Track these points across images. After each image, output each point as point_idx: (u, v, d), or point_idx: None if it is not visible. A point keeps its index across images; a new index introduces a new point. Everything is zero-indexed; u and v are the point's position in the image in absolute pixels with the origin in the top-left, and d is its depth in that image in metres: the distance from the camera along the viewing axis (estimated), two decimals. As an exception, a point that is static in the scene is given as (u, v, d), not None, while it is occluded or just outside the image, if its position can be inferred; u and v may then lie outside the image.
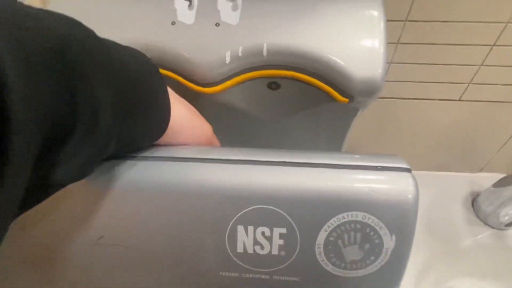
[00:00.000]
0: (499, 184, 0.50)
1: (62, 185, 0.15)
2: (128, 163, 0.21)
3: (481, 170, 0.57)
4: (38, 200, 0.14)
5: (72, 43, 0.12)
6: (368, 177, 0.20)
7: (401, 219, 0.20)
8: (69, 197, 0.22)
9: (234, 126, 0.36)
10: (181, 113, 0.22)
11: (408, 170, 0.21)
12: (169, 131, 0.22)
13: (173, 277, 0.23)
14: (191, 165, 0.21)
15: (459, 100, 0.45)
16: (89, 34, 0.14)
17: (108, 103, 0.14)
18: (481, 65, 0.40)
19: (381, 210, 0.20)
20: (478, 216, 0.55)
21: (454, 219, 0.54)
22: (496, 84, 0.42)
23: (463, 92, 0.44)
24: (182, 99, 0.23)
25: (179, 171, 0.21)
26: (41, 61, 0.11)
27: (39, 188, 0.13)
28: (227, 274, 0.22)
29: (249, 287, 0.22)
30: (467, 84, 0.43)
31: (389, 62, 0.41)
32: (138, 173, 0.21)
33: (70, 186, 0.21)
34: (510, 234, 0.53)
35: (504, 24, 0.36)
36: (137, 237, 0.22)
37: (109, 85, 0.14)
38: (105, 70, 0.14)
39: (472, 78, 0.42)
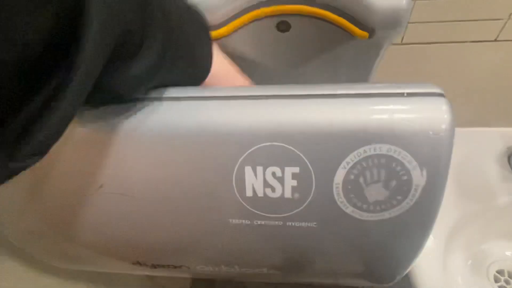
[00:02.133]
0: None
1: (111, 93, 0.17)
2: (124, 106, 0.20)
3: (518, 124, 0.52)
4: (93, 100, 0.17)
5: None
6: (393, 105, 0.18)
7: (433, 151, 0.17)
8: (67, 147, 0.20)
9: (243, 78, 0.33)
10: (222, 65, 0.23)
11: (441, 95, 0.18)
12: (210, 79, 0.22)
13: (181, 226, 0.21)
14: (192, 103, 0.19)
15: (495, 40, 0.40)
16: None
17: (160, 38, 0.16)
18: (523, -6, 0.35)
19: (409, 141, 0.17)
20: (515, 173, 0.50)
21: (489, 177, 0.50)
22: (540, 19, 0.37)
23: (500, 31, 0.39)
24: (224, 54, 0.24)
25: (179, 111, 0.19)
26: None
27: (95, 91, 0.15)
28: (237, 221, 0.20)
29: (261, 235, 0.21)
30: (505, 21, 0.38)
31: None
32: (135, 116, 0.19)
33: (67, 134, 0.20)
34: (551, 190, 0.49)
35: None
36: (140, 184, 0.20)
37: (164, 21, 0.16)
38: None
39: (512, 13, 0.37)
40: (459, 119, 0.50)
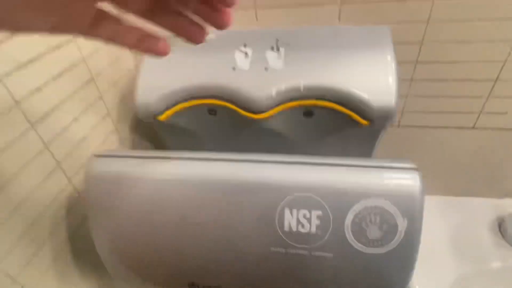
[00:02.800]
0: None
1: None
2: (191, 163, 0.30)
3: (506, 196, 0.60)
4: None
5: None
6: (384, 174, 0.27)
7: (410, 207, 0.27)
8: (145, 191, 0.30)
9: (275, 147, 0.44)
10: None
11: (415, 169, 0.28)
12: None
13: (235, 251, 0.30)
14: (253, 165, 0.29)
15: (473, 128, 0.50)
16: None
17: None
18: (488, 96, 0.46)
19: (394, 199, 0.27)
20: (506, 240, 0.56)
21: (482, 242, 0.56)
22: (507, 113, 0.48)
23: (476, 121, 0.49)
24: None
25: (244, 170, 0.29)
26: None
27: None
28: (275, 249, 0.29)
29: (291, 261, 0.29)
30: (478, 114, 0.49)
31: (406, 96, 0.48)
32: (201, 171, 0.30)
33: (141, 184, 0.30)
34: (540, 257, 0.54)
35: (502, 63, 0.43)
36: (211, 220, 0.30)
37: None
38: None
39: (482, 108, 0.48)
40: (453, 189, 0.59)
